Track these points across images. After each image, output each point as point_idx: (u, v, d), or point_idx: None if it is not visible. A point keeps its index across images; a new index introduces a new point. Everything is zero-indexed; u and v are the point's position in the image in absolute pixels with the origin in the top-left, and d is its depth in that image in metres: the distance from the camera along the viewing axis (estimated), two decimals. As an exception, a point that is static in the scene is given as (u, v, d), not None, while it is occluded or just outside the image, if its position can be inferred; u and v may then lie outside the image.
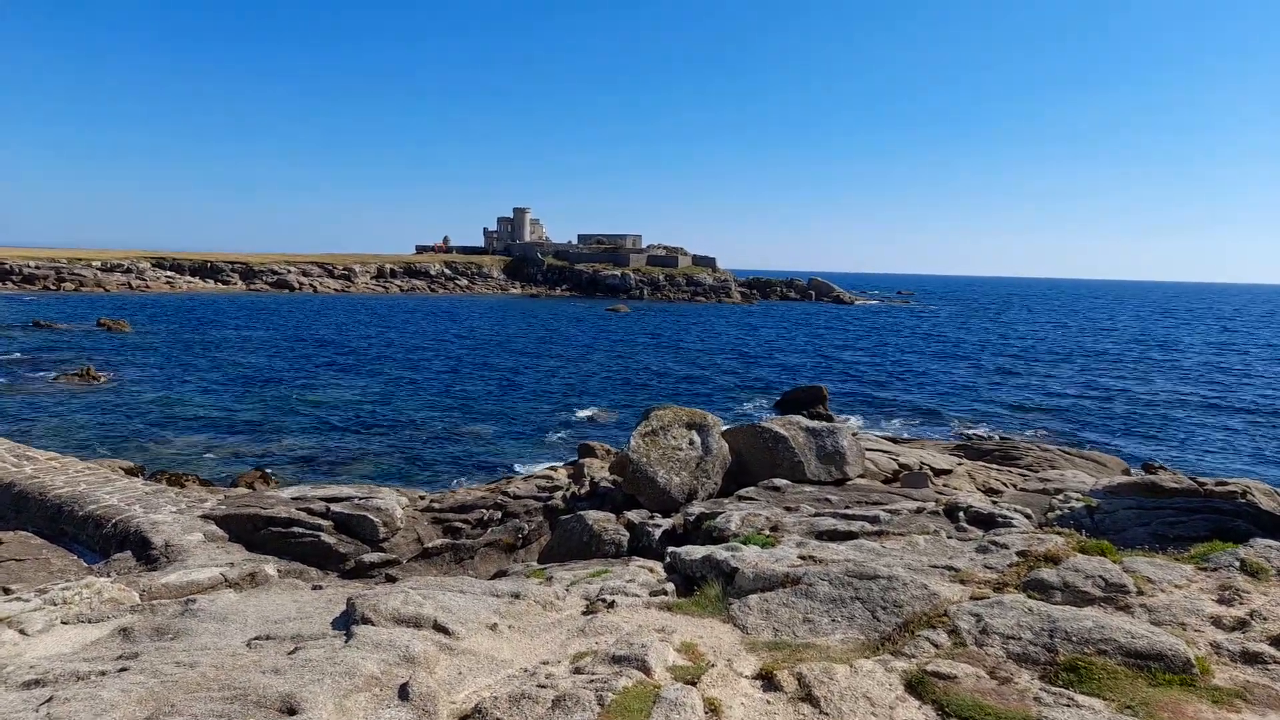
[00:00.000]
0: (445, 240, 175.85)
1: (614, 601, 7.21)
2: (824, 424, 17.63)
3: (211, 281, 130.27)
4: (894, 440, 24.60)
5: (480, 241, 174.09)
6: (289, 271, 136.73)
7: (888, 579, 6.63)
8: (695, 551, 8.13)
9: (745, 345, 70.31)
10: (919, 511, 12.00)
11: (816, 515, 11.81)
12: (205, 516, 15.06)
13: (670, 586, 7.81)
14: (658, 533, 12.84)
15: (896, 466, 18.37)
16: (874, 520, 10.96)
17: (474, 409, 37.61)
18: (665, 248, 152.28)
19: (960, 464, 20.04)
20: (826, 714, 4.75)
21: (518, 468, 26.28)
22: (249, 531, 14.72)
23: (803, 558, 7.62)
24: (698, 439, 16.11)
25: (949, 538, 9.23)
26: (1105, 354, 70.05)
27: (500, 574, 11.76)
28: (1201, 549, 7.35)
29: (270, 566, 11.29)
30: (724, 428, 17.20)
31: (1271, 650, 5.34)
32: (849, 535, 10.20)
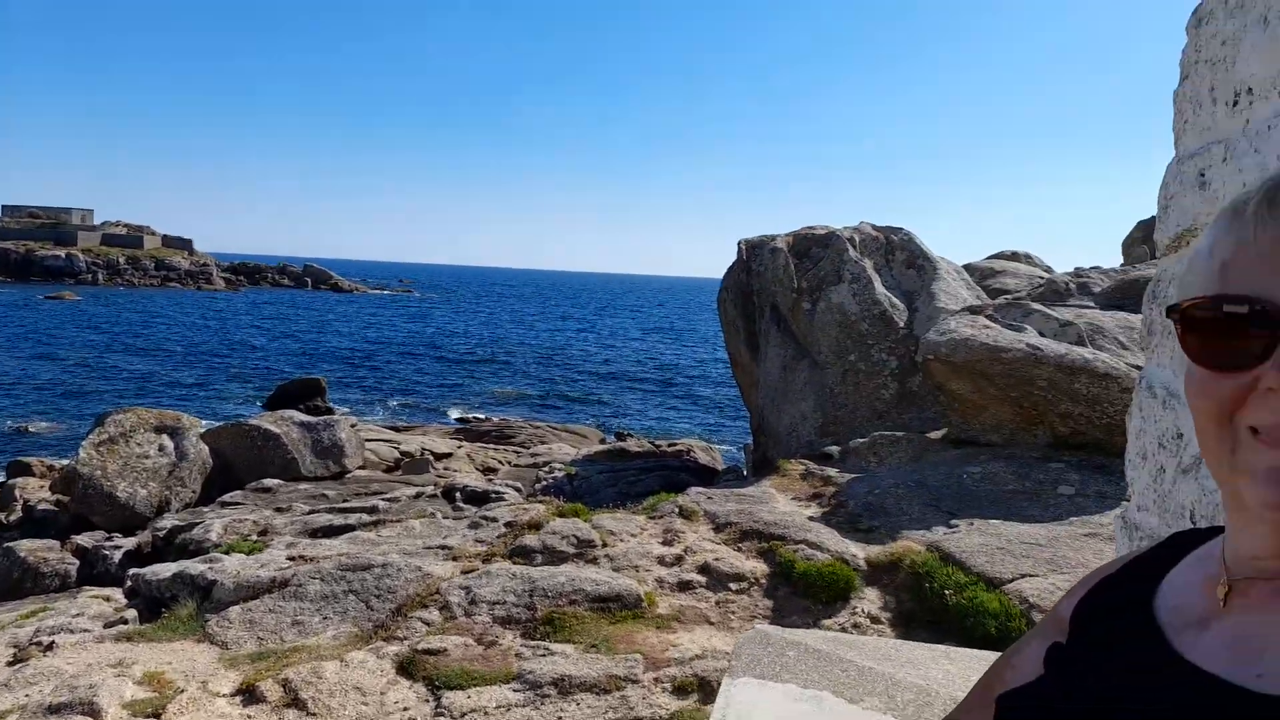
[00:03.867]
0: None
1: (53, 642, 6.01)
2: (321, 418, 16.94)
3: None
4: (396, 429, 24.64)
5: None
6: None
7: (382, 567, 6.57)
8: (163, 570, 7.16)
9: (231, 336, 64.23)
10: (418, 496, 12.19)
11: (312, 513, 11.28)
12: None
13: (132, 614, 6.77)
14: (118, 555, 11.05)
15: (399, 455, 18.43)
16: (372, 510, 10.83)
17: None
18: (127, 226, 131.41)
19: (460, 446, 20.89)
20: (314, 714, 4.53)
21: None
22: None
23: (292, 559, 7.19)
24: (170, 443, 14.24)
25: (444, 518, 9.52)
26: (582, 339, 78.97)
27: (-117, 637, 9.06)
28: (651, 501, 8.64)
29: None
30: (204, 428, 15.49)
31: (699, 577, 6.49)
32: (346, 529, 9.92)
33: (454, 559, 7.07)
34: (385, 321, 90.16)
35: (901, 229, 14.54)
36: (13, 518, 13.88)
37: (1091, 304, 12.11)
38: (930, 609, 5.87)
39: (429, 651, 5.17)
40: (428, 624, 5.71)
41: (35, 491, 15.27)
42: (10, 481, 16.37)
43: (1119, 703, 0.83)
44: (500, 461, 19.54)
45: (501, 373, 51.84)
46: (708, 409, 42.28)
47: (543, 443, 23.66)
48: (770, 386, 14.11)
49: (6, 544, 11.68)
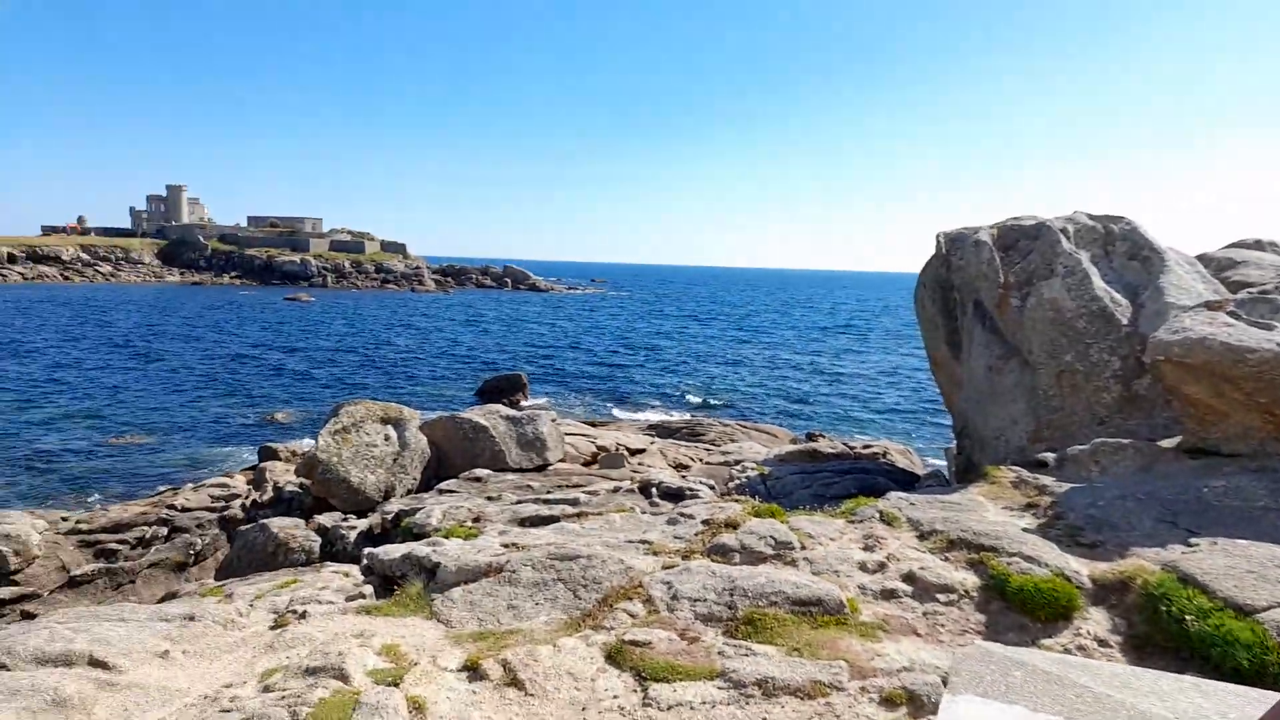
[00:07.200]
0: (80, 220, 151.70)
1: (306, 611, 6.74)
2: (524, 412, 17.84)
3: None
4: (592, 424, 25.55)
5: (127, 223, 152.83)
6: None
7: (587, 558, 6.86)
8: (394, 550, 7.84)
9: (443, 334, 69.05)
10: (616, 491, 12.58)
11: (519, 503, 11.93)
12: None
13: (368, 589, 7.47)
14: (353, 535, 12.21)
15: (595, 449, 19.11)
16: (574, 503, 11.30)
17: (129, 414, 33.13)
18: (350, 232, 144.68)
19: (653, 443, 21.32)
20: (532, 695, 4.82)
21: (186, 477, 23.56)
22: None
23: (505, 545, 7.66)
24: (394, 434, 15.54)
25: (643, 513, 9.78)
26: (771, 338, 78.24)
27: (169, 596, 10.53)
28: (850, 505, 8.46)
29: None
30: (421, 420, 16.76)
31: (904, 586, 6.30)
32: (551, 519, 10.42)
33: (654, 554, 7.26)
34: (579, 318, 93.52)
35: (1123, 218, 13.36)
36: (265, 497, 15.69)
37: (1363, 297, 10.58)
38: (1168, 635, 5.39)
39: (635, 643, 5.35)
40: (632, 616, 5.91)
41: (282, 474, 17.19)
42: (262, 465, 18.56)
43: None
44: (691, 459, 19.77)
45: (693, 369, 52.43)
46: (904, 410, 40.70)
47: (733, 441, 23.72)
48: (975, 388, 13.39)
49: (262, 520, 13.25)
